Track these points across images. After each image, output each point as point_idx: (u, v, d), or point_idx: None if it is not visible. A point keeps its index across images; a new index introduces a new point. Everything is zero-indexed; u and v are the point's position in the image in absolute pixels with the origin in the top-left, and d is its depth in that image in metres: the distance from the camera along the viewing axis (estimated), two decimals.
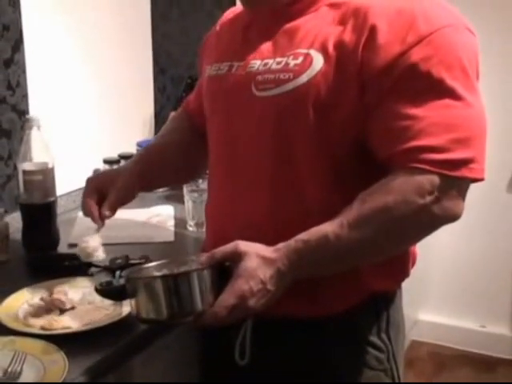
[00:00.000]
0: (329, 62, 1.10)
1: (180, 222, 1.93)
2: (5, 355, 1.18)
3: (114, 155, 2.19)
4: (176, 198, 2.05)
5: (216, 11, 2.57)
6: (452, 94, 1.05)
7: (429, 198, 1.04)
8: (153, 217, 1.92)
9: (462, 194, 1.08)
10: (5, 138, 1.88)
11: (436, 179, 1.04)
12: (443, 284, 3.21)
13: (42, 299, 1.37)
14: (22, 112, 1.91)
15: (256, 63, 1.18)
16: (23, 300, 1.38)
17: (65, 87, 2.09)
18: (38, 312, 1.33)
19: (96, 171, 2.22)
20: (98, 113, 2.23)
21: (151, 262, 1.20)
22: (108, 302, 1.33)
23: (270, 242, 1.10)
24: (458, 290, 3.20)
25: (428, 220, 1.08)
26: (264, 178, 1.18)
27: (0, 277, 1.55)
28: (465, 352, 3.17)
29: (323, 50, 1.11)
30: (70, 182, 2.08)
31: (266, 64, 1.16)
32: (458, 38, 1.08)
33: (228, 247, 1.08)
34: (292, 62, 1.13)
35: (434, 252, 2.99)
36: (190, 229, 1.89)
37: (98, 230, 1.42)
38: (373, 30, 1.07)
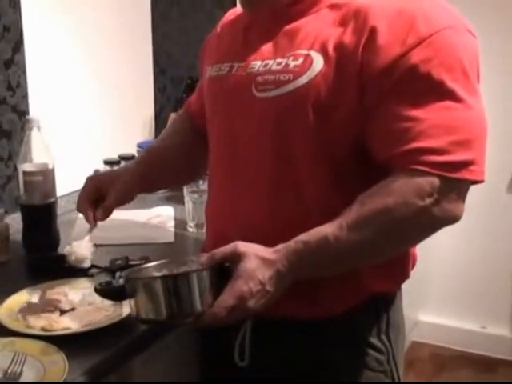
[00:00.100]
0: (329, 64, 1.10)
1: (180, 223, 1.93)
2: (5, 356, 1.18)
3: (114, 156, 2.19)
4: (176, 199, 2.05)
5: (216, 11, 2.57)
6: (452, 96, 1.05)
7: (429, 200, 1.04)
8: (153, 218, 1.92)
9: (462, 196, 1.08)
10: (5, 139, 1.88)
11: (436, 181, 1.04)
12: (443, 285, 3.21)
13: (42, 300, 1.37)
14: (22, 113, 1.91)
15: (256, 64, 1.18)
16: (23, 301, 1.38)
17: (65, 88, 2.09)
18: (38, 313, 1.33)
19: (96, 172, 2.22)
20: (98, 113, 2.23)
21: (151, 262, 1.20)
22: (108, 303, 1.33)
23: (269, 242, 1.10)
24: (458, 291, 3.20)
25: (428, 222, 1.08)
26: (264, 179, 1.18)
27: (0, 277, 1.55)
28: (465, 353, 3.17)
29: (323, 51, 1.11)
30: (70, 182, 2.07)
31: (266, 65, 1.16)
32: (459, 40, 1.08)
33: (227, 248, 1.08)
34: (292, 63, 1.13)
35: (435, 253, 2.99)
36: (190, 230, 1.89)
37: (90, 231, 1.42)
38: (373, 32, 1.07)
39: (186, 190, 1.88)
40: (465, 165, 1.05)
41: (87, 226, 1.45)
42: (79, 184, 2.05)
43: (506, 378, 2.99)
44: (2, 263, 1.64)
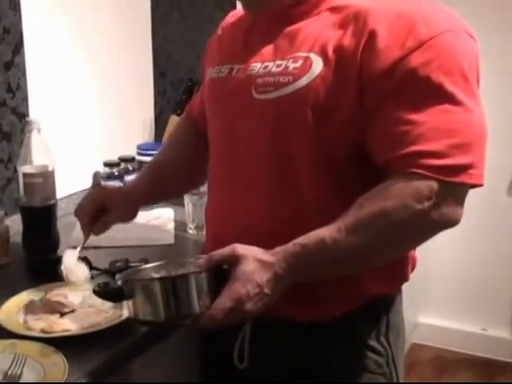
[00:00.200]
0: (328, 66, 1.10)
1: (180, 225, 1.93)
2: (5, 358, 1.18)
3: (114, 158, 2.19)
4: (176, 201, 2.05)
5: (217, 14, 2.57)
6: (451, 99, 1.05)
7: (427, 204, 1.04)
8: (153, 219, 1.92)
9: (461, 200, 1.08)
10: (5, 141, 1.88)
11: (434, 185, 1.04)
12: (444, 287, 3.21)
13: (42, 302, 1.37)
14: (22, 115, 1.92)
15: (256, 66, 1.18)
16: (23, 303, 1.38)
17: (65, 90, 2.09)
18: (38, 315, 1.33)
19: (96, 174, 2.22)
20: (98, 115, 2.24)
21: (150, 264, 1.20)
22: (108, 305, 1.33)
23: (269, 242, 1.10)
24: (458, 293, 3.19)
25: (426, 225, 1.08)
26: (264, 179, 1.18)
27: (0, 280, 1.56)
28: (466, 355, 3.16)
29: (323, 53, 1.11)
30: (70, 184, 2.08)
31: (266, 67, 1.16)
32: (459, 43, 1.08)
33: (225, 250, 1.08)
34: (291, 66, 1.13)
35: (435, 255, 2.99)
36: (190, 231, 1.89)
37: (84, 242, 1.41)
38: (372, 34, 1.07)
39: None
40: (464, 168, 1.05)
41: None
42: (79, 186, 2.06)
43: (506, 380, 2.99)
44: (2, 265, 1.64)
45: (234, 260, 1.06)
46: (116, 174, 2.15)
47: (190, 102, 1.61)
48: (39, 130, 1.63)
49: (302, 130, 1.13)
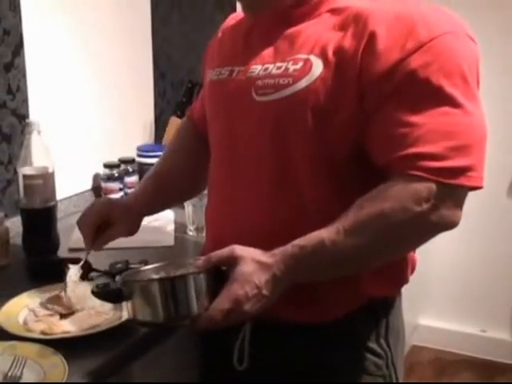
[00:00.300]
0: (328, 68, 1.10)
1: (180, 227, 1.93)
2: (5, 360, 1.18)
3: (114, 159, 2.19)
4: None
5: (217, 15, 2.58)
6: (451, 102, 1.05)
7: (426, 206, 1.04)
8: (153, 221, 1.92)
9: (460, 202, 1.08)
10: (5, 143, 1.88)
11: (433, 187, 1.04)
12: (443, 288, 3.21)
13: (42, 304, 1.37)
14: (22, 116, 1.92)
15: (256, 68, 1.18)
16: (23, 304, 1.38)
17: (65, 92, 2.09)
18: (38, 316, 1.33)
19: (96, 176, 2.23)
20: (98, 117, 2.24)
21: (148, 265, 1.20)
22: (108, 307, 1.33)
23: (269, 242, 1.10)
24: (458, 295, 3.20)
25: (425, 227, 1.08)
26: (264, 179, 1.18)
27: (0, 281, 1.56)
28: (465, 357, 3.16)
29: (323, 55, 1.11)
30: (70, 186, 2.08)
31: (266, 69, 1.16)
32: (459, 45, 1.08)
33: (224, 251, 1.08)
34: (291, 67, 1.13)
35: (434, 256, 2.99)
36: (190, 233, 1.90)
37: (86, 256, 1.41)
38: (372, 36, 1.07)
39: None
40: (463, 171, 1.05)
41: None
42: (79, 188, 2.06)
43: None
44: (2, 267, 1.64)
45: (233, 261, 1.07)
46: (116, 175, 2.16)
47: (190, 106, 1.61)
48: (39, 132, 1.63)
49: (301, 132, 1.13)
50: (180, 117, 2.33)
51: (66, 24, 2.06)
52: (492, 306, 3.14)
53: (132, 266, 1.44)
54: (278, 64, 1.15)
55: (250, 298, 1.05)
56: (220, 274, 1.08)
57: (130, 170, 2.21)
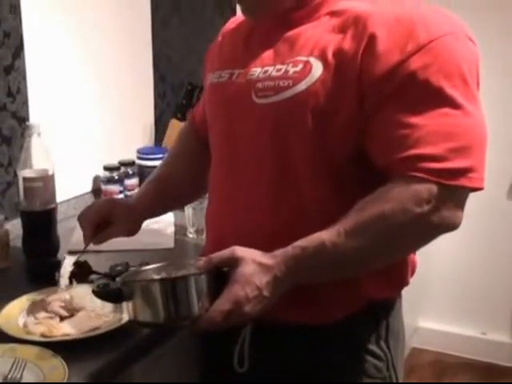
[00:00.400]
0: (328, 70, 1.10)
1: (180, 229, 1.93)
2: (5, 362, 1.18)
3: (114, 162, 2.19)
4: None
5: (217, 18, 2.58)
6: (451, 103, 1.05)
7: (426, 207, 1.04)
8: (153, 223, 1.92)
9: (461, 204, 1.08)
10: (5, 145, 1.88)
11: (434, 188, 1.04)
12: (443, 291, 3.21)
13: (42, 306, 1.37)
14: (22, 119, 1.92)
15: (256, 71, 1.18)
16: (23, 307, 1.38)
17: (65, 94, 2.10)
18: (38, 319, 1.33)
19: (96, 178, 2.23)
20: (98, 120, 2.24)
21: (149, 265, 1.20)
22: (108, 309, 1.33)
23: (269, 242, 1.10)
24: (458, 297, 3.19)
25: (426, 229, 1.08)
26: (264, 179, 1.19)
27: (0, 284, 1.56)
28: (465, 359, 3.16)
29: (323, 57, 1.11)
30: (70, 188, 2.08)
31: (266, 71, 1.17)
32: (458, 47, 1.08)
33: (225, 252, 1.08)
34: (291, 70, 1.13)
35: (434, 258, 2.99)
36: (190, 235, 1.89)
37: (84, 248, 1.42)
38: (372, 38, 1.07)
39: None
40: (463, 172, 1.05)
41: None
42: (79, 190, 2.06)
43: None
44: (2, 269, 1.64)
45: (234, 262, 1.07)
46: (116, 177, 2.16)
47: (191, 109, 1.61)
48: (39, 134, 1.63)
49: (301, 133, 1.13)
50: (180, 119, 2.33)
51: (67, 26, 2.06)
52: (492, 308, 3.14)
53: (132, 268, 1.44)
54: (278, 66, 1.15)
55: (251, 300, 1.05)
56: (221, 275, 1.08)
57: (130, 172, 2.21)
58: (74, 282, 1.43)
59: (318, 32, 1.14)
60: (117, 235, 1.44)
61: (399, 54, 1.05)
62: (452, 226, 1.08)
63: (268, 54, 1.19)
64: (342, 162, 1.14)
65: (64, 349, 1.20)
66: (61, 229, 1.77)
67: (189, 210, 1.87)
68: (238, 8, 1.28)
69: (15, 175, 1.80)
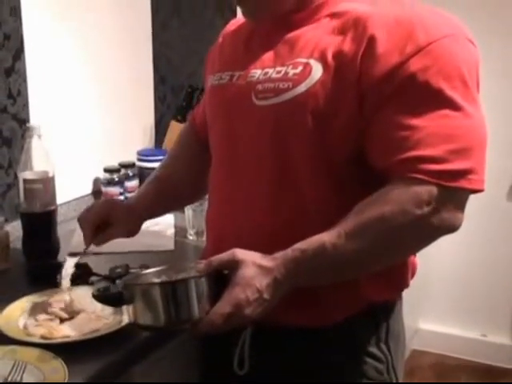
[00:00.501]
0: (328, 72, 1.10)
1: (180, 231, 1.93)
2: (5, 364, 1.18)
3: (114, 164, 2.19)
4: None
5: (217, 20, 2.58)
6: (451, 104, 1.05)
7: (426, 209, 1.04)
8: (153, 225, 1.92)
9: (461, 205, 1.08)
10: (5, 147, 1.89)
11: (434, 190, 1.04)
12: (444, 292, 3.20)
13: (42, 308, 1.37)
14: (22, 121, 1.92)
15: (256, 72, 1.18)
16: (23, 309, 1.38)
17: (66, 96, 2.10)
18: (38, 321, 1.33)
19: (96, 180, 2.23)
20: (98, 122, 2.24)
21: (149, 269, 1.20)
22: (108, 311, 1.33)
23: (269, 242, 1.11)
24: (458, 299, 3.19)
25: (426, 231, 1.07)
26: (264, 179, 1.19)
27: (0, 285, 1.56)
28: (466, 361, 3.16)
29: (322, 59, 1.11)
30: (70, 190, 2.08)
31: (266, 73, 1.17)
32: (458, 49, 1.08)
33: (225, 255, 1.08)
34: (291, 72, 1.13)
35: (435, 260, 2.98)
36: (190, 237, 1.89)
37: (84, 250, 1.42)
38: (372, 40, 1.07)
39: None
40: (463, 173, 1.05)
41: None
42: (79, 192, 2.06)
43: None
44: (2, 271, 1.64)
45: (234, 265, 1.06)
46: (116, 179, 2.16)
47: (192, 112, 1.61)
48: (39, 136, 1.64)
49: (301, 135, 1.13)
50: (180, 121, 2.33)
51: (67, 27, 2.07)
52: (492, 310, 3.14)
53: (132, 270, 1.44)
54: (278, 68, 1.15)
55: (251, 302, 1.05)
56: (221, 278, 1.07)
57: (131, 174, 2.21)
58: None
59: (318, 34, 1.15)
60: (117, 236, 1.45)
61: (398, 55, 1.06)
62: (452, 228, 1.08)
63: (268, 56, 1.19)
64: (342, 162, 1.14)
65: (64, 351, 1.20)
66: (61, 230, 1.77)
67: (189, 211, 1.88)
68: (239, 10, 1.28)
69: (15, 177, 1.80)
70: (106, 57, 2.24)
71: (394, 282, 1.24)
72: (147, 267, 1.35)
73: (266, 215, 1.19)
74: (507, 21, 2.88)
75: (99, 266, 1.47)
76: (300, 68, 1.12)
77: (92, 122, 2.21)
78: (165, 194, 1.49)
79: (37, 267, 1.63)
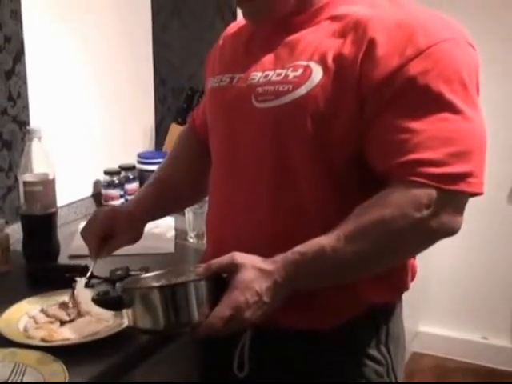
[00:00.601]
0: (328, 74, 1.10)
1: (180, 233, 1.93)
2: (5, 367, 1.18)
3: (114, 166, 2.19)
4: None
5: (217, 22, 2.58)
6: (451, 108, 1.05)
7: (426, 212, 1.04)
8: (153, 228, 1.92)
9: (460, 209, 1.08)
10: (5, 150, 1.89)
11: (433, 193, 1.04)
12: (444, 295, 3.20)
13: (42, 311, 1.37)
14: (22, 123, 1.92)
15: (257, 75, 1.18)
16: (24, 311, 1.38)
17: (66, 98, 2.10)
18: (39, 323, 1.33)
19: (97, 183, 2.23)
20: (98, 124, 2.24)
21: (149, 272, 1.20)
22: (108, 314, 1.33)
23: (269, 242, 1.11)
24: (458, 302, 3.19)
25: (425, 234, 1.08)
26: (263, 180, 1.19)
27: (1, 288, 1.56)
28: (466, 364, 3.15)
29: (322, 62, 1.11)
30: (70, 193, 2.08)
31: (266, 76, 1.17)
32: (458, 52, 1.08)
33: (224, 258, 1.08)
34: (291, 74, 1.13)
35: (434, 262, 2.98)
36: (191, 240, 1.89)
37: (92, 267, 1.41)
38: (372, 43, 1.07)
39: None
40: (463, 177, 1.05)
41: None
42: (79, 194, 2.06)
43: None
44: (2, 273, 1.64)
45: (233, 268, 1.07)
46: (116, 182, 2.16)
47: (191, 113, 1.61)
48: (40, 139, 1.64)
49: (301, 137, 1.13)
50: (180, 123, 2.33)
51: (67, 30, 2.07)
52: (493, 313, 3.14)
53: (132, 272, 1.44)
54: (278, 71, 1.15)
55: (251, 306, 1.05)
56: (220, 282, 1.08)
57: (131, 176, 2.21)
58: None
59: (319, 37, 1.15)
60: (121, 245, 1.43)
61: (398, 58, 1.06)
62: (451, 231, 1.08)
63: (268, 59, 1.19)
64: (342, 164, 1.14)
65: (64, 353, 1.20)
66: (61, 233, 1.77)
67: (189, 214, 1.88)
68: (239, 12, 1.28)
69: (16, 179, 1.80)
70: (106, 59, 2.25)
71: (394, 285, 1.24)
72: (147, 269, 1.36)
73: (266, 216, 1.19)
74: (507, 22, 2.88)
75: (99, 268, 1.46)
76: (300, 71, 1.13)
77: (92, 124, 2.21)
78: (165, 195, 1.48)
79: (37, 270, 1.63)
